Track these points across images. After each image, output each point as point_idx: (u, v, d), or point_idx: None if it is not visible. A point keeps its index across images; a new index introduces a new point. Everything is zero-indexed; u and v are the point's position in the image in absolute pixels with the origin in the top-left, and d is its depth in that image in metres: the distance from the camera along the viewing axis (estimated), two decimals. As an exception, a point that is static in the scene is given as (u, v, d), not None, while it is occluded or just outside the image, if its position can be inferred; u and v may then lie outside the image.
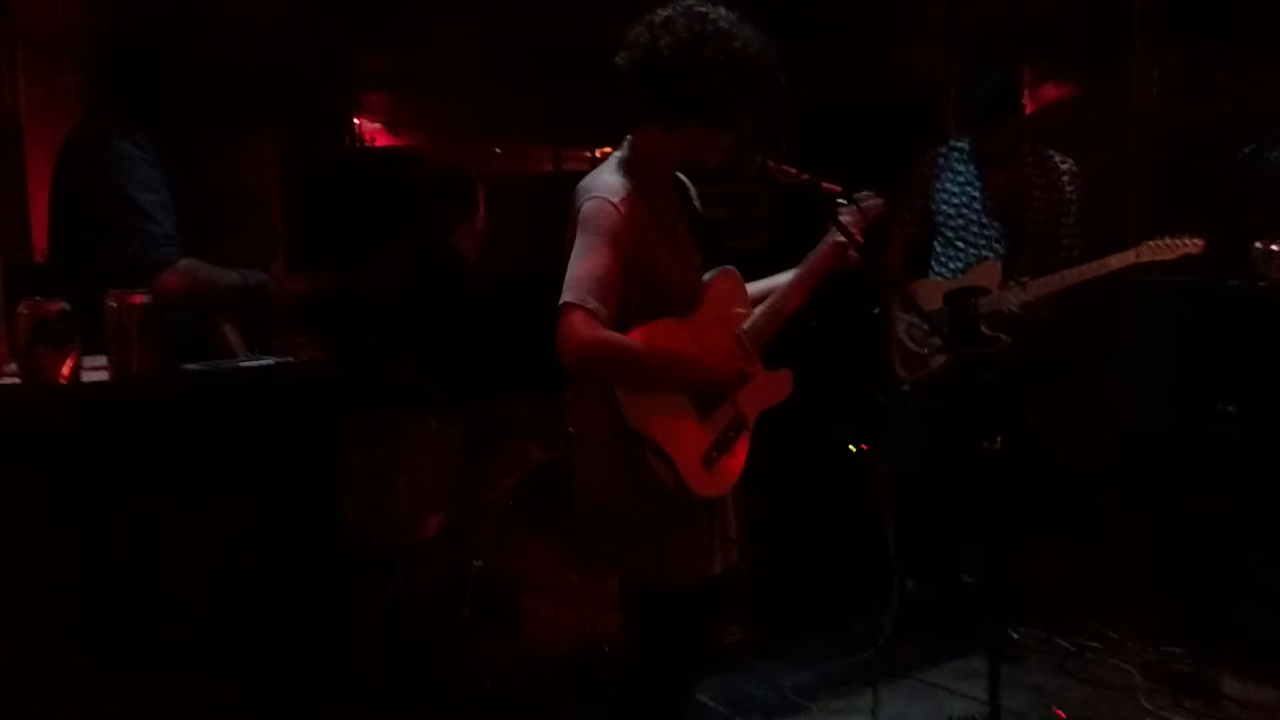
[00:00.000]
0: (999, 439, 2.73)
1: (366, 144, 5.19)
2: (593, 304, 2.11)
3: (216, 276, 2.69)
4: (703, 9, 2.23)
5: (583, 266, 2.14)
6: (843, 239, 2.43)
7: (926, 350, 3.78)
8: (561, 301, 2.12)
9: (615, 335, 2.16)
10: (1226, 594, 3.56)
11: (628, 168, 2.29)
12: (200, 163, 3.04)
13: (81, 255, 2.63)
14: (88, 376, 2.12)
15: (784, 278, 2.52)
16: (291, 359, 2.52)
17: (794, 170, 2.40)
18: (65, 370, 2.06)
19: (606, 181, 2.24)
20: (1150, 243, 3.40)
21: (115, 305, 2.14)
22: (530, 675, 3.48)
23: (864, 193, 2.54)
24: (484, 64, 5.11)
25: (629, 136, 2.35)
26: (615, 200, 2.19)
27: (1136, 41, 4.58)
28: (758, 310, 2.46)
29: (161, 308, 2.23)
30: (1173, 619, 3.77)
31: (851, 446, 4.09)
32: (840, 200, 2.47)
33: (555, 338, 2.12)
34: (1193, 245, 3.36)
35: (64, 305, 2.07)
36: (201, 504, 2.15)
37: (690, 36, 2.18)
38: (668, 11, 2.24)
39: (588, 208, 2.19)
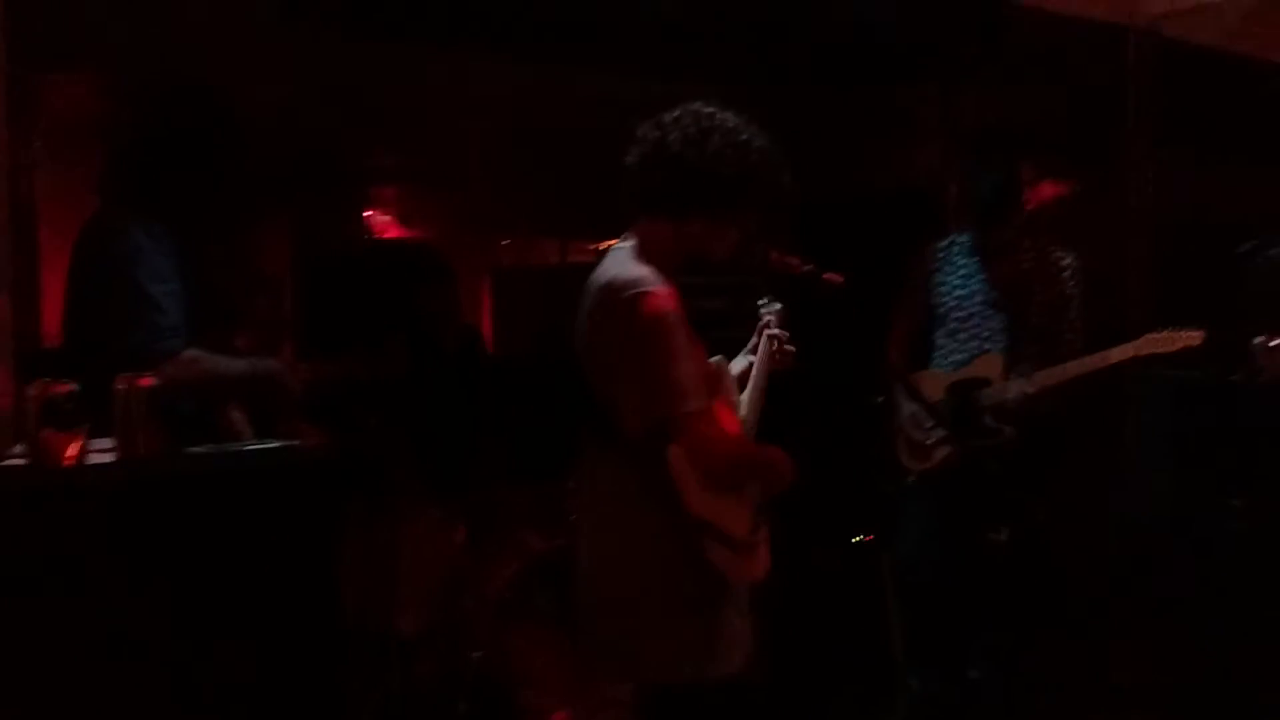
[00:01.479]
0: (1005, 530, 2.71)
1: (375, 236, 5.27)
2: (710, 411, 2.19)
3: (220, 366, 2.71)
4: (709, 109, 2.31)
5: (679, 370, 2.16)
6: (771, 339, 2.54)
7: (931, 441, 3.78)
8: (681, 411, 2.14)
9: (736, 437, 2.27)
10: (1237, 689, 3.50)
11: (645, 258, 2.29)
12: (213, 251, 3.09)
13: (93, 342, 2.66)
14: (95, 458, 2.13)
15: (739, 364, 2.59)
16: (296, 443, 2.54)
17: (797, 261, 2.45)
18: (72, 452, 2.07)
19: (643, 275, 2.23)
20: (1150, 335, 3.43)
21: (123, 388, 2.16)
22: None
23: (764, 300, 2.65)
24: (491, 158, 5.22)
25: (629, 231, 2.37)
26: (665, 292, 2.22)
27: (1132, 141, 4.67)
28: (744, 401, 2.49)
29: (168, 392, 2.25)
30: (1185, 715, 3.71)
31: (856, 537, 4.06)
32: (761, 303, 2.61)
33: (685, 446, 2.14)
34: (1192, 338, 3.39)
35: (73, 387, 2.09)
36: (202, 585, 2.14)
37: (698, 131, 2.26)
38: (676, 112, 2.31)
39: (649, 306, 2.17)
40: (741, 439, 2.31)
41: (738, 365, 2.59)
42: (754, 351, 2.60)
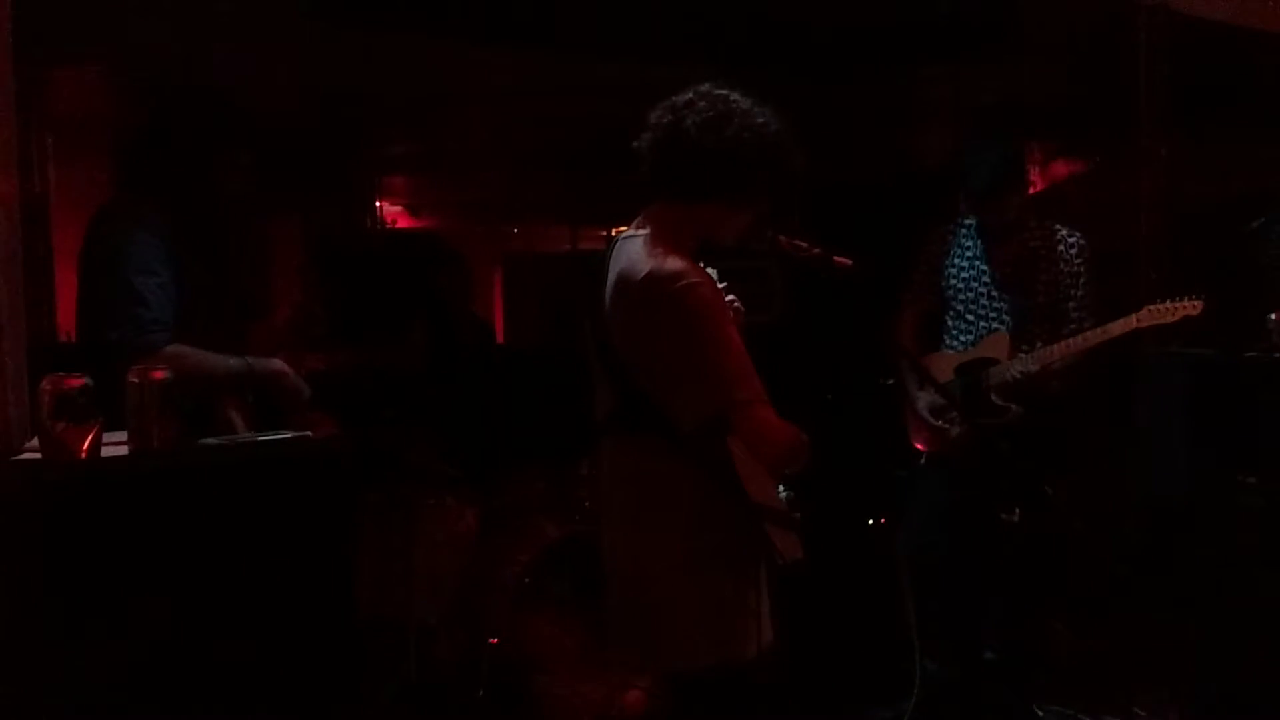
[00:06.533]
0: (1018, 510, 2.71)
1: (388, 226, 5.29)
2: (765, 395, 2.16)
3: (206, 363, 2.69)
4: (723, 91, 2.28)
5: (734, 360, 2.16)
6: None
7: (942, 422, 3.78)
8: (741, 398, 2.13)
9: (787, 422, 2.22)
10: (1255, 668, 3.49)
11: (667, 245, 2.25)
12: (231, 248, 3.09)
13: (90, 336, 2.68)
14: (108, 451, 2.14)
15: None
16: (309, 434, 2.55)
17: (805, 244, 2.44)
18: (85, 445, 2.09)
19: (685, 266, 2.20)
20: (1150, 307, 3.44)
21: (136, 381, 2.17)
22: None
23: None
24: (501, 147, 5.22)
25: (642, 216, 2.35)
26: (710, 282, 2.22)
27: (1144, 119, 4.64)
28: None
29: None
30: (1201, 694, 3.70)
31: (869, 521, 4.07)
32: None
33: (745, 433, 2.12)
34: (1191, 307, 3.39)
35: (86, 380, 2.10)
36: (217, 578, 2.15)
37: (715, 115, 2.23)
38: (689, 94, 2.28)
39: (697, 298, 2.16)
40: (797, 429, 2.24)
41: None
42: None
